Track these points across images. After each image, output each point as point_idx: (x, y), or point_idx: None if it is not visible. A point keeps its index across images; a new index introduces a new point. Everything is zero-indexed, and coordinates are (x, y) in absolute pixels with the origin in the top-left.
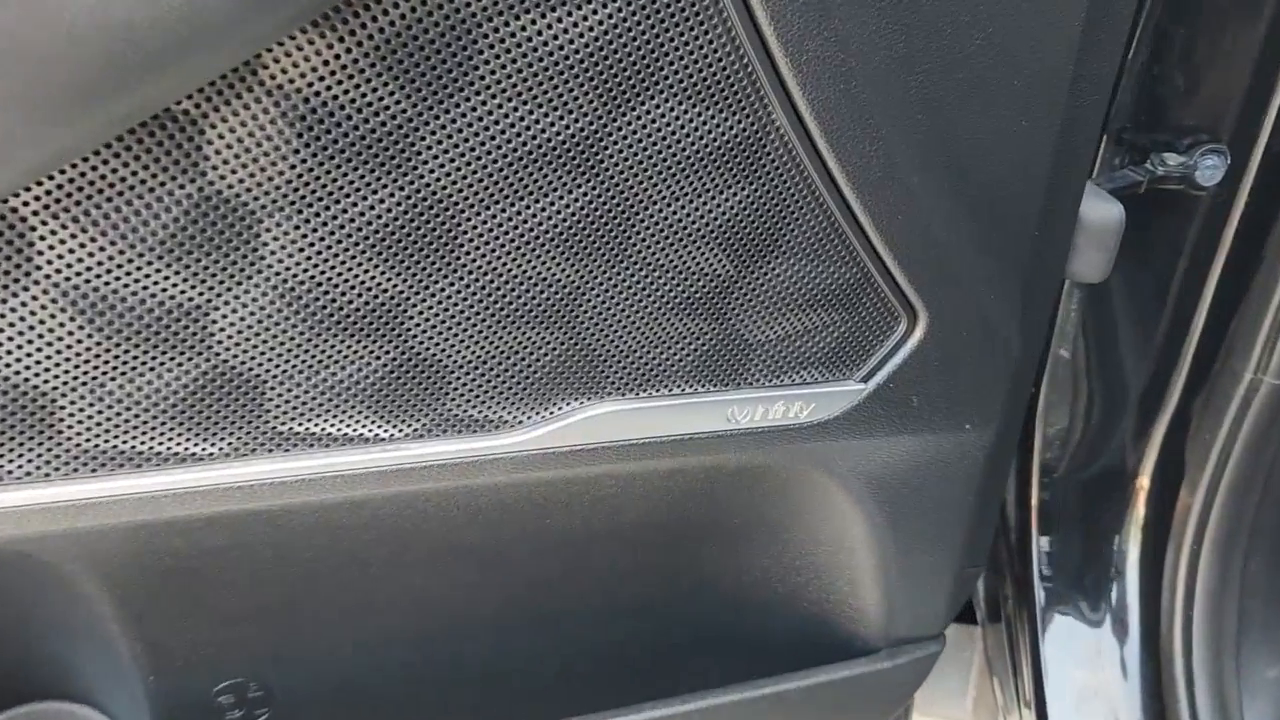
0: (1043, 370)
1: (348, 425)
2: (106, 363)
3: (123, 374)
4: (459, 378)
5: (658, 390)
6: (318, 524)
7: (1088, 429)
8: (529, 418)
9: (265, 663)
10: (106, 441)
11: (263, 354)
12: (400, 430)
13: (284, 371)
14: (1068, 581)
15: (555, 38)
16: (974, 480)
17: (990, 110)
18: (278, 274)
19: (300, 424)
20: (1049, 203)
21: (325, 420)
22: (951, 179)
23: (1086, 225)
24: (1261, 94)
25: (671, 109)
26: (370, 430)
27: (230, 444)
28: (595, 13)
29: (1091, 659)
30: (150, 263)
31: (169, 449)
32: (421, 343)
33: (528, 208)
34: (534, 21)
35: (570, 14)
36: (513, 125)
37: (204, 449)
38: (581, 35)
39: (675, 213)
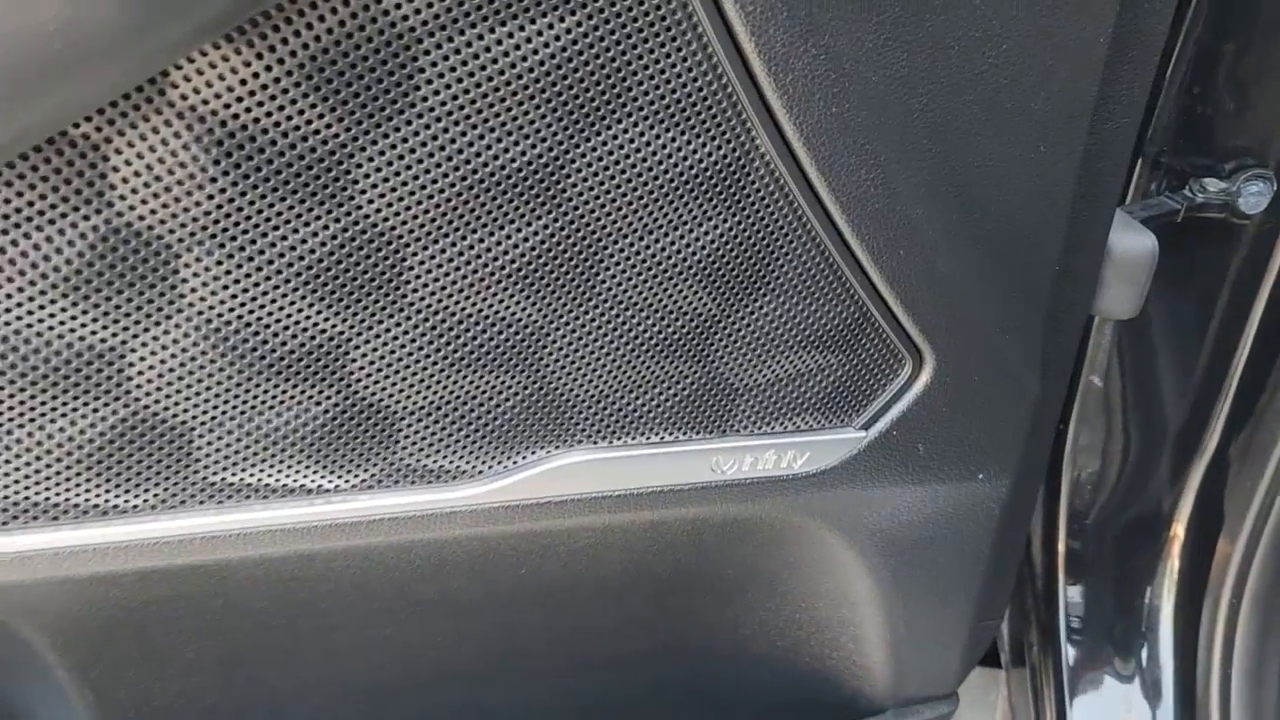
0: (1070, 408)
1: (287, 475)
2: (11, 409)
3: (31, 421)
4: (410, 425)
5: (633, 438)
6: (265, 576)
7: (1121, 472)
8: (490, 468)
9: (224, 716)
10: (16, 494)
11: (187, 399)
12: (346, 481)
13: (212, 418)
14: (1097, 634)
15: (507, 54)
16: (989, 533)
17: (1004, 134)
18: (200, 313)
19: (233, 474)
20: (1072, 235)
21: (261, 470)
22: (960, 210)
23: (1116, 258)
24: None
25: (641, 133)
26: (312, 481)
27: (156, 496)
28: (551, 27)
29: (1121, 718)
30: (55, 301)
31: (87, 501)
32: (366, 387)
33: (481, 241)
34: (482, 36)
35: (524, 28)
36: (460, 151)
37: (126, 501)
38: (537, 52)
39: (648, 246)
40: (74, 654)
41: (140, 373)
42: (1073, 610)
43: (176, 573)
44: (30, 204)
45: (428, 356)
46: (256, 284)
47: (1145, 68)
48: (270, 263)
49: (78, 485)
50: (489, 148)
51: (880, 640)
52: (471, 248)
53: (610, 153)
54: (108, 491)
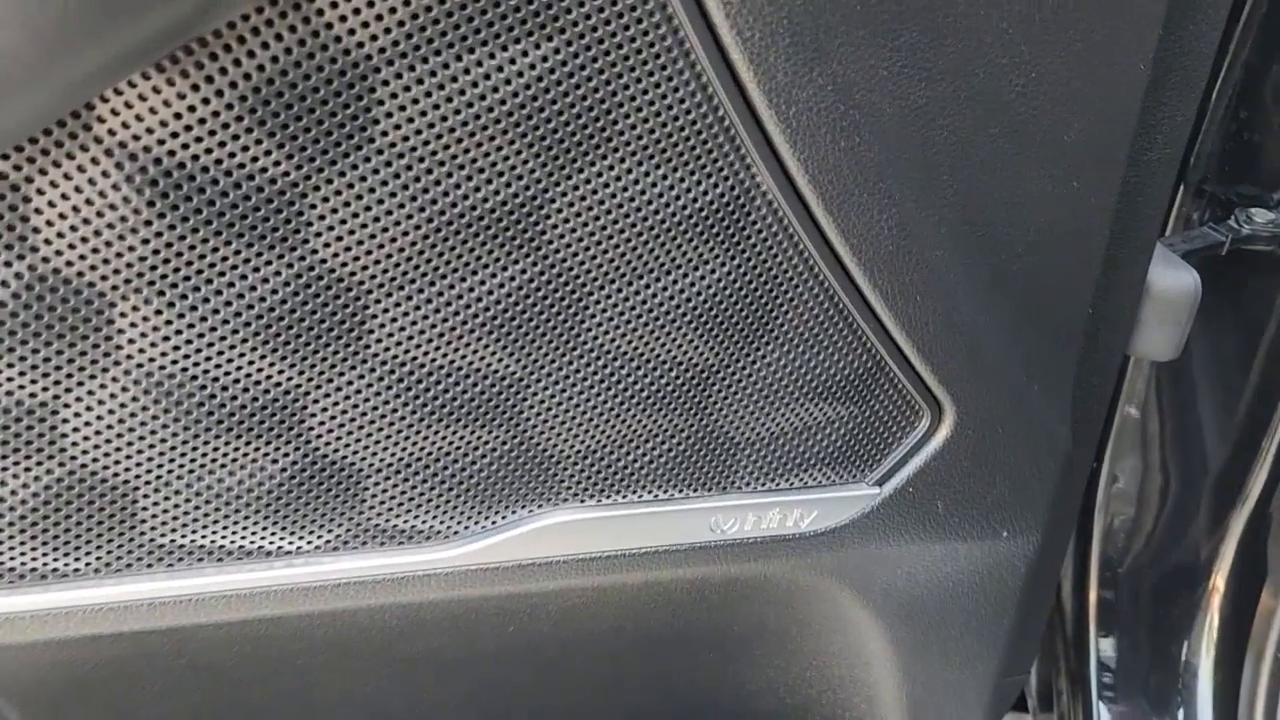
0: (1104, 443)
1: (243, 537)
2: None
3: None
4: (377, 483)
5: (624, 496)
6: (228, 638)
7: (1157, 518)
8: (467, 528)
9: None
10: None
11: (129, 457)
12: (309, 542)
13: (157, 477)
14: (1131, 689)
15: (475, 84)
16: (1014, 591)
17: (1033, 168)
18: (139, 365)
19: (183, 536)
20: (1108, 274)
21: (214, 531)
22: (984, 251)
23: (1155, 296)
24: None
25: (628, 170)
26: (271, 542)
27: (99, 559)
28: (526, 54)
29: None
30: None
31: (24, 565)
32: (327, 443)
33: (451, 288)
34: (447, 65)
35: (494, 56)
36: (426, 190)
37: (66, 564)
38: (510, 82)
39: (638, 292)
40: (36, 712)
41: (76, 429)
42: (1105, 663)
43: (130, 634)
44: None
45: (394, 411)
46: (201, 334)
47: (1190, 93)
48: (215, 311)
49: (12, 548)
50: (458, 187)
51: (896, 702)
52: (441, 294)
53: (594, 191)
54: (45, 554)
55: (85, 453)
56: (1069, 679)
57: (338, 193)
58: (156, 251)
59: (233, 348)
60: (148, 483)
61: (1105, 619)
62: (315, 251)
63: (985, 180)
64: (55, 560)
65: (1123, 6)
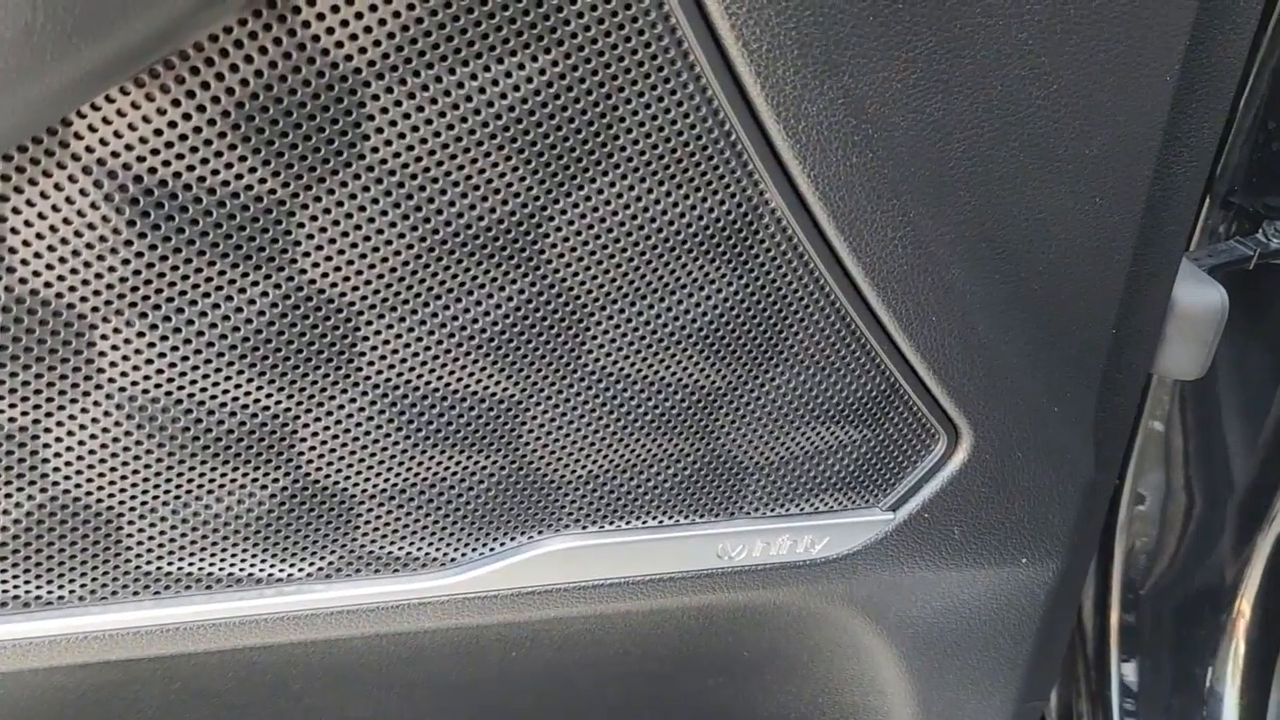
0: (1127, 459)
1: (231, 564)
2: None
3: None
4: (369, 509)
5: (627, 523)
6: (220, 664)
7: (1180, 538)
8: (463, 555)
9: None
10: None
11: (111, 483)
12: (299, 569)
13: (142, 503)
14: (1152, 714)
15: (470, 99)
16: (1034, 619)
17: (1055, 184)
18: (122, 389)
19: (169, 563)
20: (1132, 292)
21: (202, 559)
22: (1003, 270)
23: (1180, 314)
24: None
25: (630, 186)
26: (261, 569)
27: (83, 586)
28: (522, 67)
29: None
30: None
31: (5, 592)
32: (318, 468)
33: (446, 308)
34: (440, 79)
35: (489, 69)
36: (419, 209)
37: (50, 592)
38: (505, 96)
39: (641, 313)
40: None
41: (57, 454)
42: (1127, 686)
43: (119, 662)
44: None
45: (387, 435)
46: (185, 357)
47: (1217, 104)
48: (200, 333)
49: None
50: (452, 204)
51: None
52: (435, 315)
53: (595, 209)
54: (28, 582)
55: (67, 478)
56: (1090, 701)
57: (326, 210)
58: (138, 272)
59: (218, 370)
60: (132, 509)
61: (1127, 641)
62: (303, 271)
63: (1004, 196)
64: (38, 588)
65: (1148, 16)
